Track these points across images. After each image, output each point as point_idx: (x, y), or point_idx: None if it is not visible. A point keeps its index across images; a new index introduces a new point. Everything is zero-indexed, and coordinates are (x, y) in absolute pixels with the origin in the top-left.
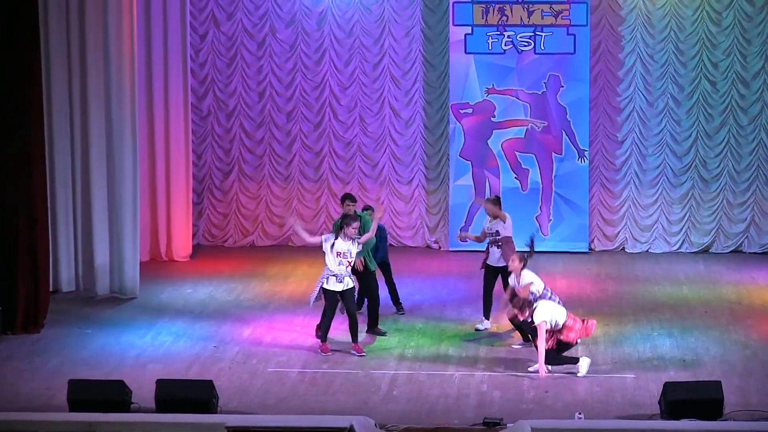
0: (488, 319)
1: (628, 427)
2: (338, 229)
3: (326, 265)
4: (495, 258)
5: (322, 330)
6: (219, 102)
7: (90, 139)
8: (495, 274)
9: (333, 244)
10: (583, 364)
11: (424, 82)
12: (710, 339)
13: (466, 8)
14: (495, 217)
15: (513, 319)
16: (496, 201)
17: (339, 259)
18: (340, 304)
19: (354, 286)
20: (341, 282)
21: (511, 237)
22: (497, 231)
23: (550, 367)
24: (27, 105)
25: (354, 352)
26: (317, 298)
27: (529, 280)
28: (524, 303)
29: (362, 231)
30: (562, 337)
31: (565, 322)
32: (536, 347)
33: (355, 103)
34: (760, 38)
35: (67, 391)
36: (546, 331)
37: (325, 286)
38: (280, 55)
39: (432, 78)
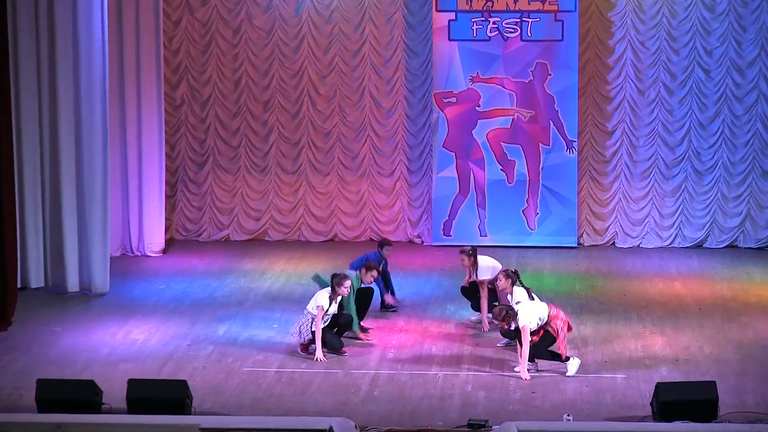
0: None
1: (619, 429)
2: (332, 292)
3: (306, 309)
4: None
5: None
6: (193, 91)
7: (59, 129)
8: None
9: (327, 309)
10: (573, 365)
11: (406, 70)
12: (704, 337)
13: None
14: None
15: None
16: (473, 252)
17: (326, 318)
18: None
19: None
20: (327, 322)
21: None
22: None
23: (537, 362)
24: None
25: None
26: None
27: (519, 298)
28: (506, 313)
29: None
30: (549, 328)
31: (549, 313)
32: (521, 350)
33: (335, 92)
34: (756, 24)
35: (35, 391)
36: (532, 332)
37: (313, 328)
38: (256, 43)
39: (414, 66)
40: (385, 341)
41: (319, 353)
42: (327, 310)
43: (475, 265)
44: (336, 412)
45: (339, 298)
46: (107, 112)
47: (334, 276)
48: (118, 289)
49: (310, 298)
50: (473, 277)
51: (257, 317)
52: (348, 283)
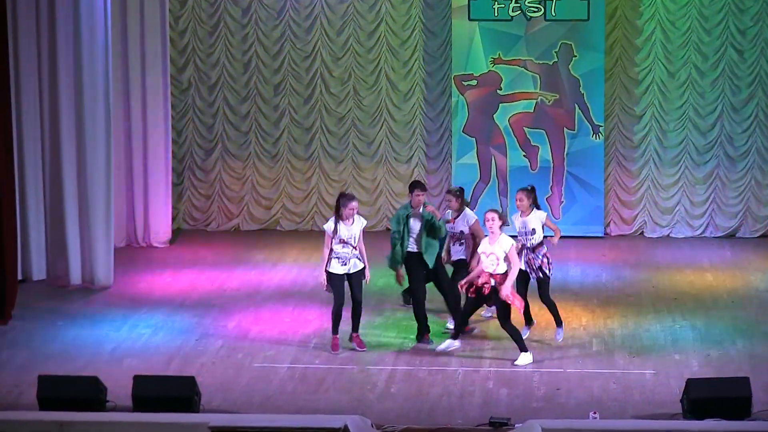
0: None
1: (647, 427)
2: (336, 213)
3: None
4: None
5: (333, 320)
6: (200, 74)
7: (60, 115)
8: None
9: (336, 230)
10: (523, 358)
11: (424, 52)
12: (737, 331)
13: None
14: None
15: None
16: (460, 193)
17: (342, 245)
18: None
19: (363, 269)
20: (345, 264)
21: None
22: (461, 231)
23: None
24: None
25: (354, 345)
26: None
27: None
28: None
29: (430, 232)
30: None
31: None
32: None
33: (349, 75)
34: None
35: (36, 388)
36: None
37: (328, 268)
38: (266, 23)
39: (433, 47)
40: (403, 336)
41: (321, 277)
42: (341, 235)
43: (461, 208)
44: (351, 410)
45: (354, 223)
46: (110, 97)
47: (339, 196)
48: (122, 282)
49: (324, 291)
50: (453, 224)
51: (268, 311)
52: (352, 204)
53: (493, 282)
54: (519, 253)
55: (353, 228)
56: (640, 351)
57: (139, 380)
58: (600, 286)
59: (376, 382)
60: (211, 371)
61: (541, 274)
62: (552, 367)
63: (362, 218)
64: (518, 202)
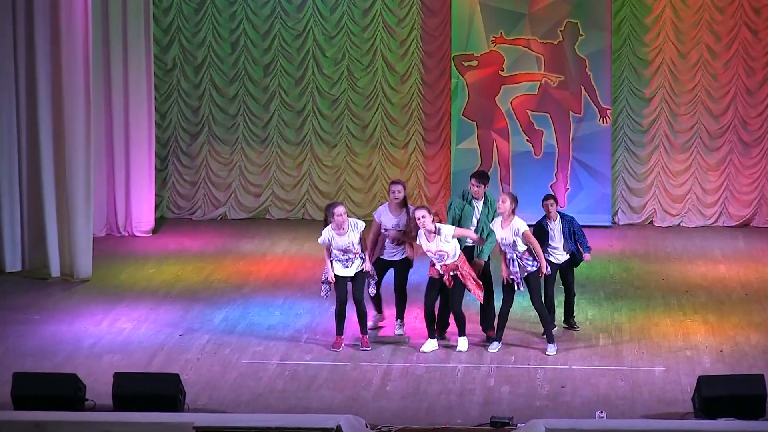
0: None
1: (657, 427)
2: (324, 223)
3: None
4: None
5: (337, 321)
6: (186, 53)
7: (37, 97)
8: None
9: (330, 241)
10: (462, 342)
11: (422, 31)
12: (751, 326)
13: None
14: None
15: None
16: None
17: (343, 252)
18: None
19: (367, 270)
20: (347, 267)
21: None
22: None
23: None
24: None
25: (361, 347)
26: (326, 290)
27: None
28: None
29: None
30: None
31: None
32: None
33: (343, 55)
34: None
35: (11, 386)
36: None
37: (331, 269)
38: (255, 0)
39: (431, 26)
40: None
41: (329, 273)
42: (337, 245)
43: (405, 203)
44: (344, 409)
45: (348, 231)
46: (90, 79)
47: (325, 208)
48: (103, 273)
49: (318, 282)
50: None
51: (257, 304)
52: (338, 210)
53: (452, 273)
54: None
55: (347, 238)
56: (649, 346)
57: (120, 377)
58: (607, 278)
59: (371, 380)
60: (197, 368)
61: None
62: (556, 364)
63: (359, 223)
64: (498, 204)
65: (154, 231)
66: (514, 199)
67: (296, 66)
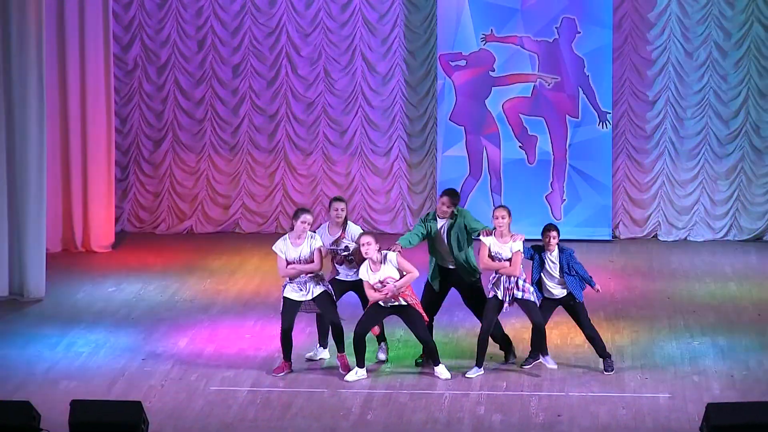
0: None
1: None
2: (290, 229)
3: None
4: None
5: (283, 347)
6: (148, 53)
7: None
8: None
9: (285, 249)
10: (441, 370)
11: (406, 28)
12: (765, 349)
13: None
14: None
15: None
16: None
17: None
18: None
19: (326, 290)
20: (301, 290)
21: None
22: (346, 247)
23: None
24: None
25: (341, 368)
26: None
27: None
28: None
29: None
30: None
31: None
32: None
33: (319, 54)
34: None
35: None
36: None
37: (284, 293)
38: None
39: (415, 22)
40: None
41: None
42: (287, 256)
43: (345, 222)
44: None
45: (304, 244)
46: (44, 80)
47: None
48: (57, 293)
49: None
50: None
51: (226, 326)
52: (304, 217)
53: (403, 302)
54: (497, 281)
55: (299, 250)
56: (653, 371)
57: (77, 406)
58: (607, 296)
59: (351, 408)
60: (161, 395)
61: (529, 296)
62: (552, 390)
63: (317, 237)
64: (499, 220)
65: (114, 246)
66: (510, 214)
67: (268, 66)
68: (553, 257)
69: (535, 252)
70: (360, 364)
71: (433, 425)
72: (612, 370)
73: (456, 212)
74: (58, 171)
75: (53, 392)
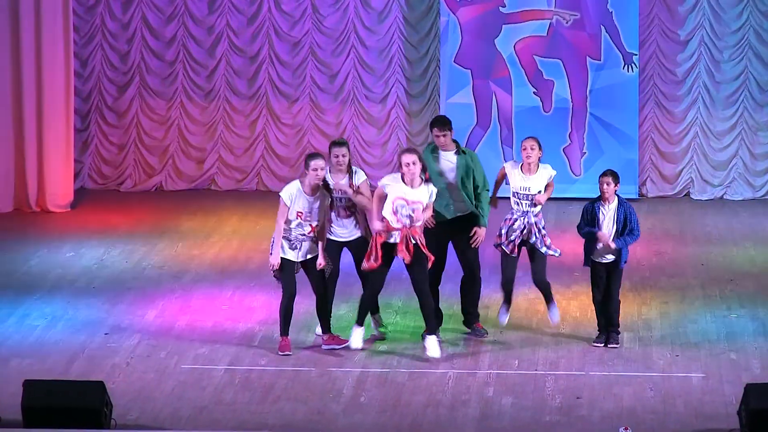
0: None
1: None
2: (302, 176)
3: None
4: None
5: (282, 317)
6: None
7: None
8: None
9: (294, 198)
10: (431, 344)
11: None
12: None
13: None
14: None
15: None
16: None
17: (298, 220)
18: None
19: (321, 265)
20: (295, 249)
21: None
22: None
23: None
24: None
25: (324, 346)
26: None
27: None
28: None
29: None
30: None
31: None
32: None
33: None
34: None
35: None
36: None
37: (281, 253)
38: None
39: None
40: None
41: (273, 258)
42: (296, 208)
43: (350, 168)
44: (309, 425)
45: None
46: None
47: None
48: (8, 259)
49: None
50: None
51: (200, 296)
52: (314, 163)
53: (413, 240)
54: (513, 223)
55: (315, 202)
56: (685, 348)
57: (31, 386)
58: (633, 264)
59: (342, 389)
60: (126, 375)
61: (545, 248)
62: (570, 369)
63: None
64: (528, 151)
65: (73, 206)
66: (540, 146)
67: (248, 1)
68: (608, 210)
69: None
70: (361, 322)
71: (435, 408)
72: (617, 345)
73: (464, 151)
74: (8, 120)
75: (4, 371)
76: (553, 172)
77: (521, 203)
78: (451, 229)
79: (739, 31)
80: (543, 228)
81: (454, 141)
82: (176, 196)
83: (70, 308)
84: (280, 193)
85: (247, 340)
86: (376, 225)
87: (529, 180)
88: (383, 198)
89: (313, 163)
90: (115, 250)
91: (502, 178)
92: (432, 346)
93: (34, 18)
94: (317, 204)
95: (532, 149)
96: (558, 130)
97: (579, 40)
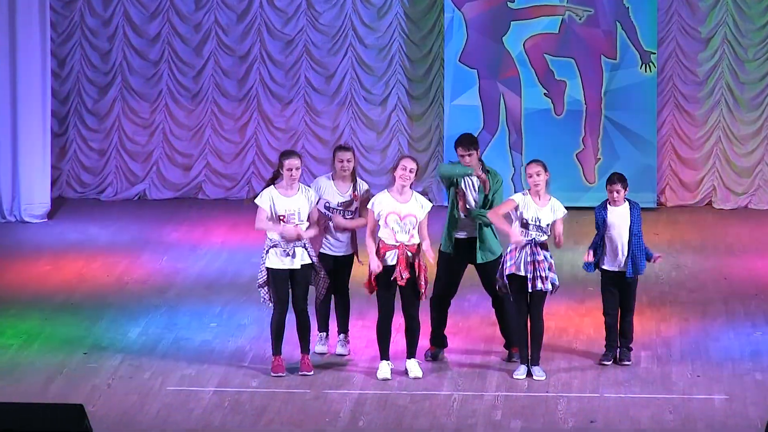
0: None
1: None
2: (272, 179)
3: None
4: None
5: (274, 335)
6: None
7: None
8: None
9: (272, 201)
10: (413, 366)
11: None
12: None
13: None
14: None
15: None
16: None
17: (282, 224)
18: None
19: (312, 262)
20: (288, 255)
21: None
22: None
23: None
24: None
25: (301, 371)
26: (263, 284)
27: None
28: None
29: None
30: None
31: None
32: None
33: None
34: None
35: None
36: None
37: (267, 263)
38: None
39: None
40: (375, 347)
41: (372, 263)
42: (277, 211)
43: (354, 176)
44: None
45: (298, 194)
46: None
47: (280, 155)
48: None
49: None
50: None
51: (187, 312)
52: (291, 162)
53: (410, 258)
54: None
55: (293, 202)
56: (707, 368)
57: (5, 409)
58: (651, 276)
59: (339, 412)
60: (107, 397)
61: (549, 286)
62: (584, 391)
63: (311, 191)
64: (534, 178)
65: (51, 216)
66: (547, 170)
67: None
68: (620, 212)
69: (597, 211)
70: (386, 355)
71: None
72: (629, 362)
73: (489, 170)
74: None
75: None
76: (565, 212)
77: (529, 233)
78: (461, 252)
79: (765, 28)
80: (549, 267)
81: (480, 161)
82: (161, 205)
83: (47, 326)
84: (255, 200)
85: (237, 360)
86: (373, 265)
87: (542, 211)
88: (376, 231)
89: (287, 163)
90: (95, 263)
91: (511, 209)
92: (412, 367)
93: (8, 13)
94: (302, 203)
95: (538, 175)
96: (570, 134)
97: (593, 38)
